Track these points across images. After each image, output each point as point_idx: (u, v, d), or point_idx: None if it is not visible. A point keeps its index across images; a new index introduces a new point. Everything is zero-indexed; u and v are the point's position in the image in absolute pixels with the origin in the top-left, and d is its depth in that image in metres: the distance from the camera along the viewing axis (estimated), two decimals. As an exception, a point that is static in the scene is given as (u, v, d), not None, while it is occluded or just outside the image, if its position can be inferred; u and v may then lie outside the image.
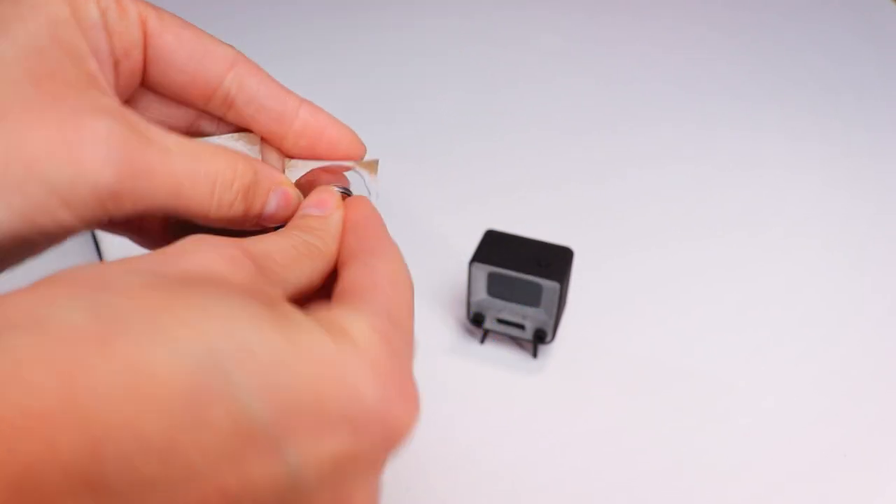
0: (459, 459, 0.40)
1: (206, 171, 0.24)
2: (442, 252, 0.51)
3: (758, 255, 0.52)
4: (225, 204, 0.24)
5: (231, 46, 0.27)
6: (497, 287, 0.42)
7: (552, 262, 0.41)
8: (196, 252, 0.20)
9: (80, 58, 0.22)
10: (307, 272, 0.24)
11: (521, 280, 0.41)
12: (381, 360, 0.20)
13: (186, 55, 0.25)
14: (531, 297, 0.42)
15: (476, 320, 0.44)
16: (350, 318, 0.20)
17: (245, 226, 0.26)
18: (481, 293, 0.43)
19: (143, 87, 0.26)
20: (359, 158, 0.31)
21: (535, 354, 0.45)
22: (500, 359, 0.45)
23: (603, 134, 0.63)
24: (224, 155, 0.25)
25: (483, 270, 0.42)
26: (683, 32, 0.75)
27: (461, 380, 0.44)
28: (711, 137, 0.63)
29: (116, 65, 0.24)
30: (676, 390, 0.44)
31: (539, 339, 0.43)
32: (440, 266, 0.50)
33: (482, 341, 0.46)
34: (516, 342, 0.46)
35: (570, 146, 0.61)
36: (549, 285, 0.41)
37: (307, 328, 0.19)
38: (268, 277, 0.21)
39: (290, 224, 0.26)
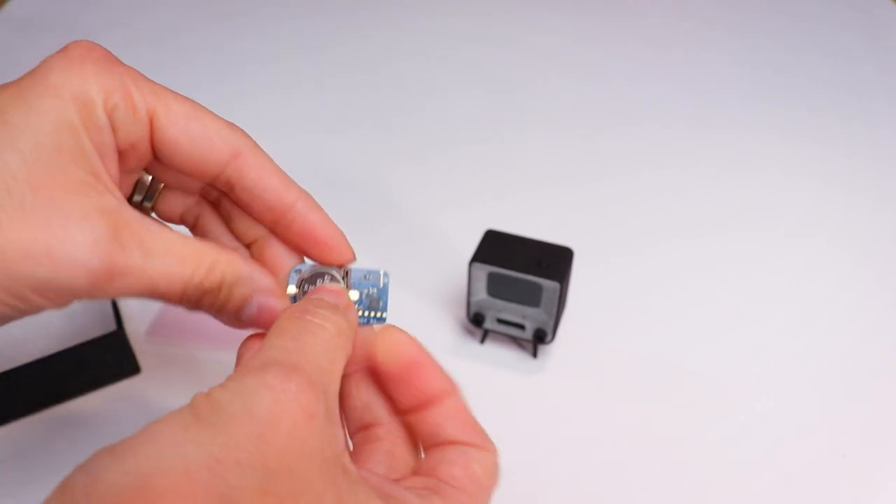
0: (459, 459, 0.40)
1: (181, 272, 0.26)
2: (442, 252, 0.51)
3: (758, 255, 0.52)
4: (193, 300, 0.26)
5: (241, 135, 0.29)
6: (497, 287, 0.42)
7: (552, 262, 0.41)
8: (282, 410, 0.22)
9: (83, 160, 0.25)
10: (341, 367, 0.26)
11: (521, 280, 0.41)
12: None
13: (189, 147, 0.27)
14: (531, 297, 0.42)
15: (476, 320, 0.44)
16: None
17: (225, 321, 0.28)
18: (481, 293, 0.43)
19: (155, 160, 0.28)
20: (345, 263, 0.31)
21: (535, 354, 0.45)
22: (500, 359, 0.45)
23: (603, 134, 0.63)
24: (200, 255, 0.27)
25: (483, 270, 0.42)
26: (683, 32, 0.75)
27: (461, 380, 0.44)
28: (711, 137, 0.63)
29: (122, 155, 0.26)
30: (676, 390, 0.44)
31: (539, 339, 0.43)
32: (440, 266, 0.50)
33: (482, 341, 0.46)
34: (516, 342, 0.46)
35: (570, 146, 0.61)
36: (549, 285, 0.41)
37: None
38: (332, 412, 0.23)
39: (306, 302, 0.27)
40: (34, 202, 0.23)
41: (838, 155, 0.61)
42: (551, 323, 0.42)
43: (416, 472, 0.28)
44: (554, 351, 0.45)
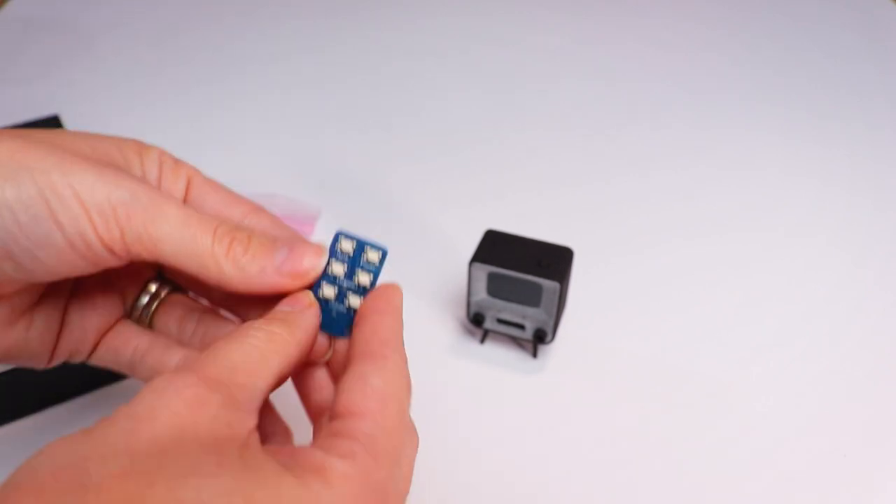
0: (459, 459, 0.40)
1: (194, 220, 0.28)
2: (442, 252, 0.51)
3: (758, 255, 0.52)
4: (224, 242, 0.28)
5: (253, 203, 0.34)
6: (497, 287, 0.42)
7: (552, 262, 0.41)
8: (161, 405, 0.23)
9: (128, 167, 0.30)
10: (276, 368, 0.26)
11: (521, 280, 0.41)
12: (357, 497, 0.23)
13: (215, 202, 0.33)
14: (531, 297, 0.42)
15: (476, 320, 0.44)
16: (329, 459, 0.23)
17: (263, 287, 0.29)
18: (481, 293, 0.43)
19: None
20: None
21: (535, 354, 0.45)
22: (500, 359, 0.45)
23: (603, 134, 0.63)
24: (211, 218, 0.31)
25: (483, 270, 0.42)
26: (683, 32, 0.75)
27: (461, 380, 0.44)
28: (711, 137, 0.63)
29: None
30: (676, 390, 0.44)
31: (539, 339, 0.43)
32: (440, 266, 0.50)
33: (482, 341, 0.46)
34: (516, 342, 0.46)
35: (571, 146, 0.61)
36: (549, 285, 0.41)
37: (274, 480, 0.22)
38: (237, 400, 0.24)
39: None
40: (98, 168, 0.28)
41: (838, 155, 0.61)
42: (551, 323, 0.42)
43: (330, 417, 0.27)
44: (554, 351, 0.45)
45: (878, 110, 0.65)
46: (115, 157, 0.30)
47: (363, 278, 0.30)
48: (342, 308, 0.30)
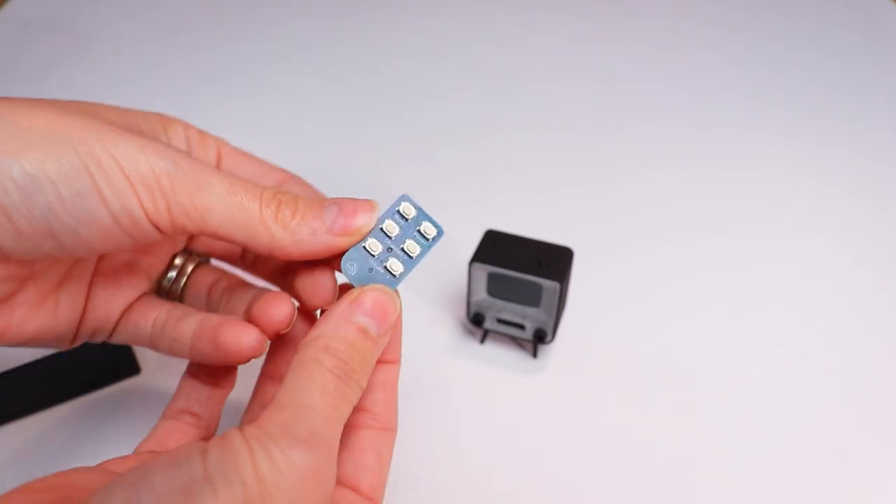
0: (459, 459, 0.40)
1: (234, 182, 0.28)
2: (442, 252, 0.51)
3: (758, 255, 0.52)
4: (272, 207, 0.28)
5: (288, 171, 0.36)
6: (497, 287, 0.42)
7: (552, 262, 0.41)
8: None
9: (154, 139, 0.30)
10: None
11: (521, 280, 0.41)
12: None
13: (249, 172, 0.34)
14: (531, 296, 0.42)
15: (476, 320, 0.44)
16: None
17: (316, 248, 0.28)
18: (481, 293, 0.43)
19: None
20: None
21: (535, 354, 0.45)
22: (500, 359, 0.45)
23: (603, 134, 0.63)
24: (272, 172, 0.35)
25: (483, 270, 0.42)
26: (683, 32, 0.75)
27: (461, 380, 0.44)
28: (711, 137, 0.63)
29: None
30: (676, 390, 0.44)
31: (539, 339, 0.43)
32: (440, 266, 0.50)
33: (482, 341, 0.46)
34: (516, 342, 0.46)
35: (571, 146, 0.61)
36: (549, 285, 0.41)
37: None
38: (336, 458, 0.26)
39: (342, 333, 0.27)
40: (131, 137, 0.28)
41: (838, 155, 0.61)
42: (551, 323, 0.42)
43: None
44: (554, 351, 0.45)
45: (878, 110, 0.65)
46: (142, 129, 0.29)
47: (412, 246, 0.30)
48: (380, 268, 0.30)
